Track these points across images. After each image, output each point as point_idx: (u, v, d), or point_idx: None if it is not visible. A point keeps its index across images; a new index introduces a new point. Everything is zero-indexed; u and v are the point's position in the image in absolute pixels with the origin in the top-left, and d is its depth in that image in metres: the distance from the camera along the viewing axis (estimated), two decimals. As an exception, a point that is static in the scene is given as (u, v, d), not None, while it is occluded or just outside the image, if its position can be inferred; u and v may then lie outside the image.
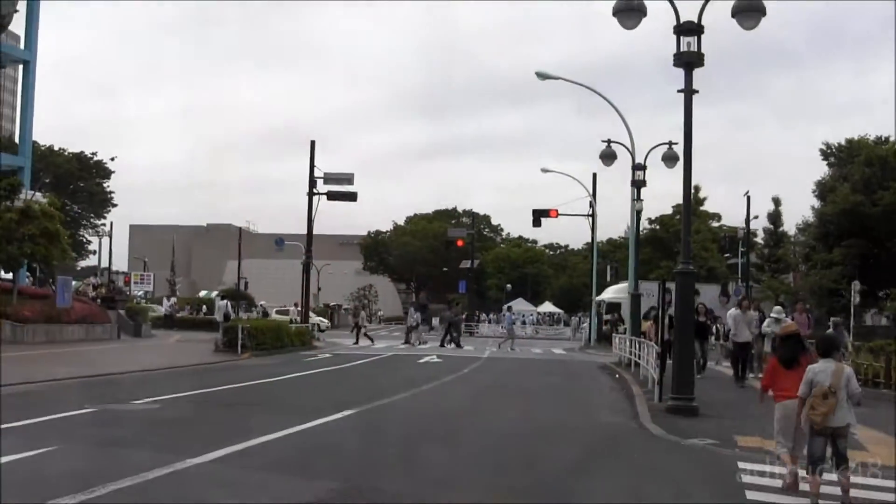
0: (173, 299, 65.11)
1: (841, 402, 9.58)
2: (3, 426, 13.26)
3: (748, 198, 62.73)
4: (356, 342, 47.30)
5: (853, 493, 9.68)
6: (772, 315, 22.67)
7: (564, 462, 12.18)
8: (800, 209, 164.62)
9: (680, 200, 19.60)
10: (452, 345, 47.14)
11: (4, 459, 10.41)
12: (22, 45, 47.08)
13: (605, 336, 52.95)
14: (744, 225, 62.42)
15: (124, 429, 13.71)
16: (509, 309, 53.91)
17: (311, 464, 11.16)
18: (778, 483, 10.37)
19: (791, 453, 10.58)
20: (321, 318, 66.38)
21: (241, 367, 28.97)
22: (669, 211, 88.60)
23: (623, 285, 64.60)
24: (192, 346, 38.55)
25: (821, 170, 72.51)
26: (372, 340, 49.04)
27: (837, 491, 9.55)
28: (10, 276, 40.19)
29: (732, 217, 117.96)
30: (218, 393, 20.17)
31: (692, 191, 19.23)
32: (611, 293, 64.49)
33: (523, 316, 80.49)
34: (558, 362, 37.76)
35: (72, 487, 8.96)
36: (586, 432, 15.48)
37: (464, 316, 52.42)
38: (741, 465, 11.80)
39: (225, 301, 53.31)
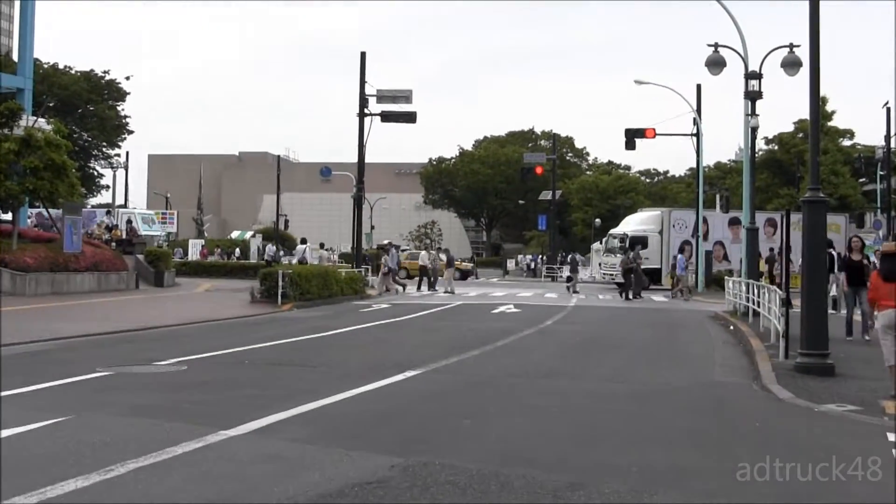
0: (271, 246, 65.59)
1: None
2: (5, 393, 13.38)
3: (888, 110, 61.25)
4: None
5: None
6: None
7: (671, 433, 11.96)
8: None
9: (802, 115, 19.28)
10: (630, 295, 46.10)
11: (7, 433, 10.46)
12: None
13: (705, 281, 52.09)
14: (882, 143, 61.20)
15: (146, 395, 13.74)
16: (681, 251, 51.81)
17: (369, 435, 11.08)
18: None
19: None
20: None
21: (282, 321, 29.12)
22: (790, 128, 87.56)
23: (650, 213, 63.13)
24: (223, 297, 38.88)
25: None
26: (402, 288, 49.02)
27: None
28: (9, 216, 40.61)
29: (868, 134, 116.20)
30: (256, 351, 20.22)
31: (819, 103, 18.73)
32: (633, 224, 62.58)
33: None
34: (658, 311, 37.48)
35: (85, 465, 8.96)
36: (695, 395, 15.23)
37: (641, 261, 50.05)
38: (891, 437, 11.50)
39: (305, 246, 53.74)
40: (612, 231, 65.06)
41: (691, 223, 57.16)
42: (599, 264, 64.07)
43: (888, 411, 13.37)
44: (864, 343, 23.00)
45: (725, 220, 57.60)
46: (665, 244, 56.92)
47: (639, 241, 57.00)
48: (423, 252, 53.02)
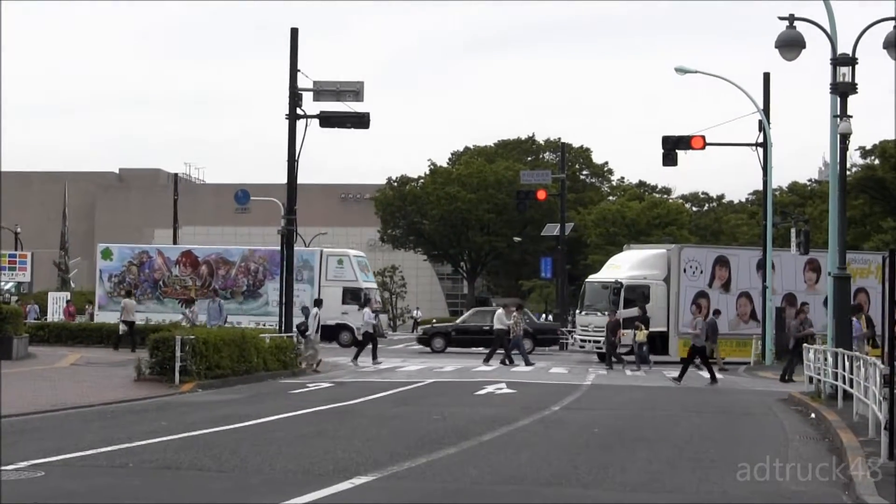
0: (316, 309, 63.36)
1: None
2: None
3: None
4: None
5: None
6: None
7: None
8: None
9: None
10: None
11: None
12: None
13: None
14: None
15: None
16: (857, 311, 48.30)
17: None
18: None
19: None
20: None
21: (181, 406, 29.03)
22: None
23: (651, 252, 61.24)
24: (98, 373, 38.69)
25: None
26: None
27: None
28: None
29: None
30: (143, 449, 20.18)
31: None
32: (628, 267, 59.74)
33: None
34: (711, 392, 37.47)
35: None
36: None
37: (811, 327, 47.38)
38: None
39: (317, 309, 53.09)
40: (594, 277, 62.79)
41: (708, 266, 55.57)
42: (574, 324, 62.93)
43: None
44: None
45: (753, 261, 55.68)
46: (674, 296, 55.55)
47: (637, 293, 55.69)
48: (500, 310, 51.14)
